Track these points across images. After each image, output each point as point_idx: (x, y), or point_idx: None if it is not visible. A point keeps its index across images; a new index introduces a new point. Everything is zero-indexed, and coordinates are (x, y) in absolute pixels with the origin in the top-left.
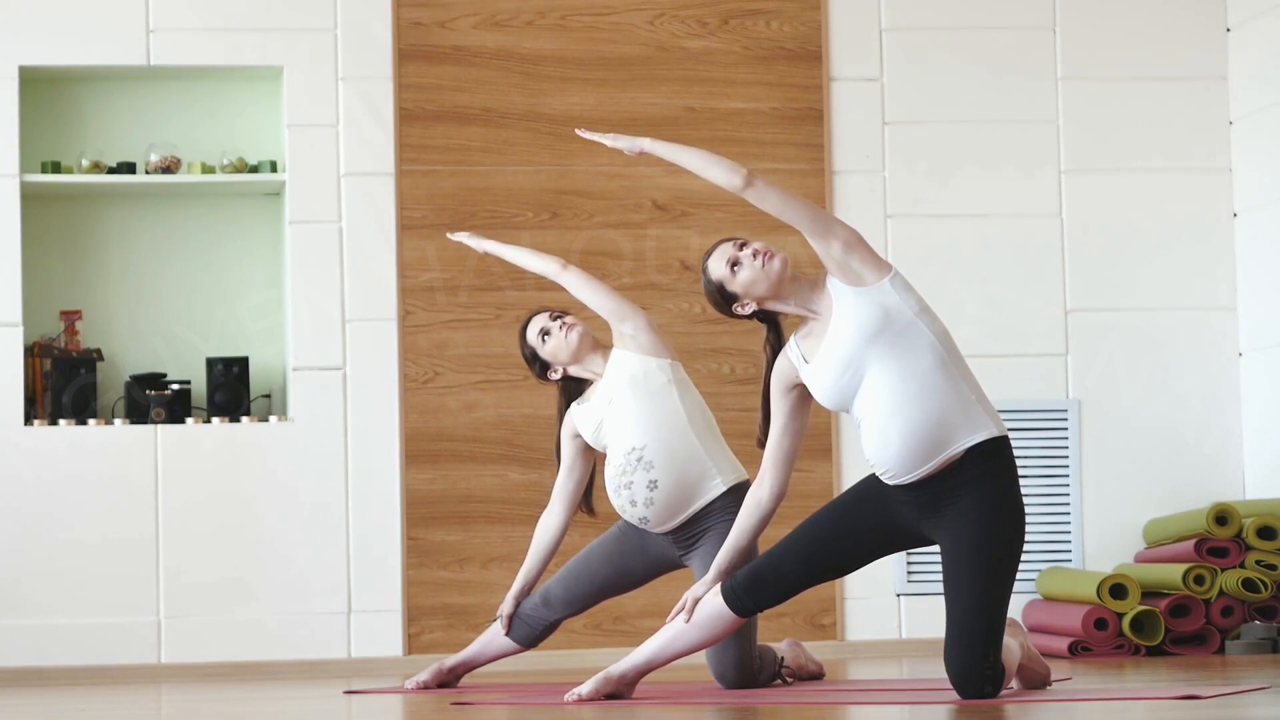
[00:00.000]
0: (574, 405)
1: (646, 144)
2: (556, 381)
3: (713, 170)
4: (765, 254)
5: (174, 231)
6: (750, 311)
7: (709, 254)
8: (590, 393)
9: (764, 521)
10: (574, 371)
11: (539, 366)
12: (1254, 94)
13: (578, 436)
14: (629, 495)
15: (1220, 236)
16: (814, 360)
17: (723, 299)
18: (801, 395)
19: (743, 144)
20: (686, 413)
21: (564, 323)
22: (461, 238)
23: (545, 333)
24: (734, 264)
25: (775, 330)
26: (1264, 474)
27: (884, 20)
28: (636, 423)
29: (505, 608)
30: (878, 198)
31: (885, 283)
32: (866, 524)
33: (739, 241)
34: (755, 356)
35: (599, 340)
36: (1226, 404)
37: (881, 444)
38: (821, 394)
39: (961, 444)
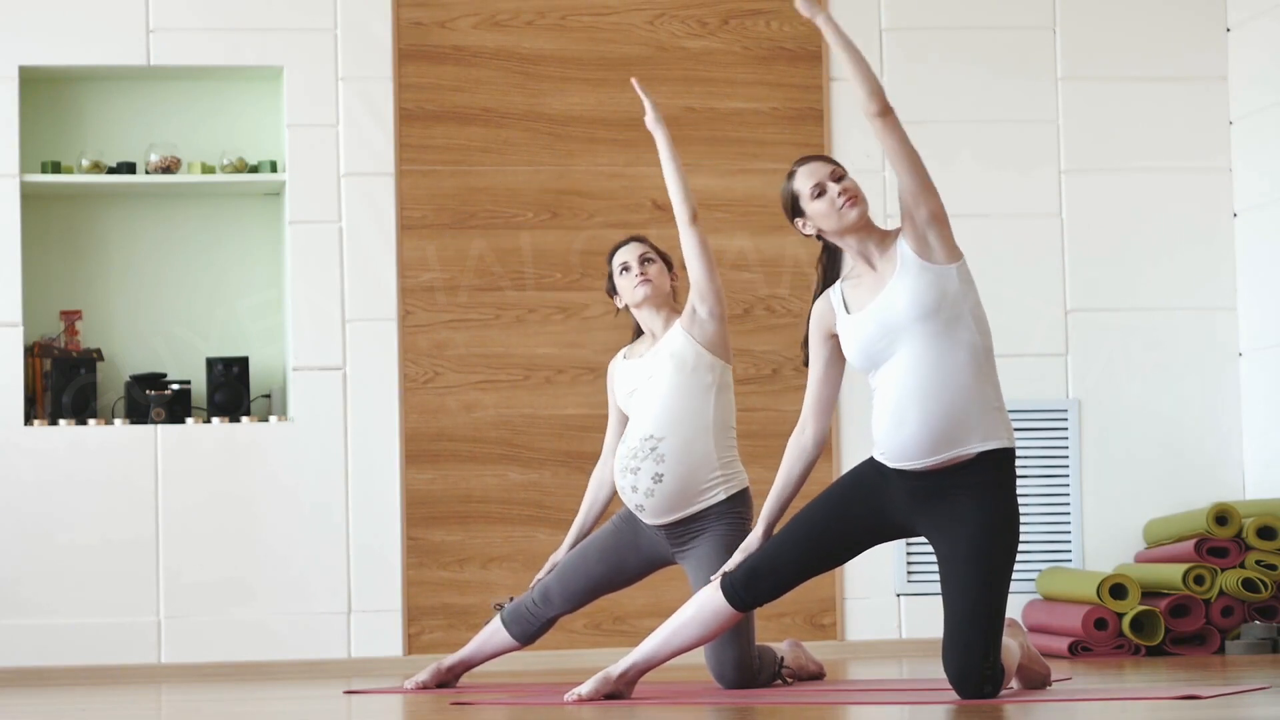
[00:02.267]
0: (620, 357)
1: (822, 19)
2: (619, 309)
3: (860, 80)
4: (850, 199)
5: (174, 231)
6: (809, 233)
7: (802, 163)
8: (638, 348)
9: (808, 468)
10: (634, 313)
11: (609, 285)
12: (1254, 94)
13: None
14: (632, 480)
15: (1220, 236)
16: (856, 313)
17: (790, 209)
18: (840, 345)
19: (743, 144)
20: (715, 419)
21: (643, 274)
22: (645, 102)
23: (625, 268)
24: (819, 189)
25: (831, 256)
26: (1264, 474)
27: (884, 20)
28: (664, 413)
29: (557, 557)
30: (877, 198)
31: (954, 268)
32: (858, 514)
33: (835, 171)
34: (757, 356)
35: (671, 302)
36: (1226, 404)
37: (896, 423)
38: (852, 349)
39: (975, 446)
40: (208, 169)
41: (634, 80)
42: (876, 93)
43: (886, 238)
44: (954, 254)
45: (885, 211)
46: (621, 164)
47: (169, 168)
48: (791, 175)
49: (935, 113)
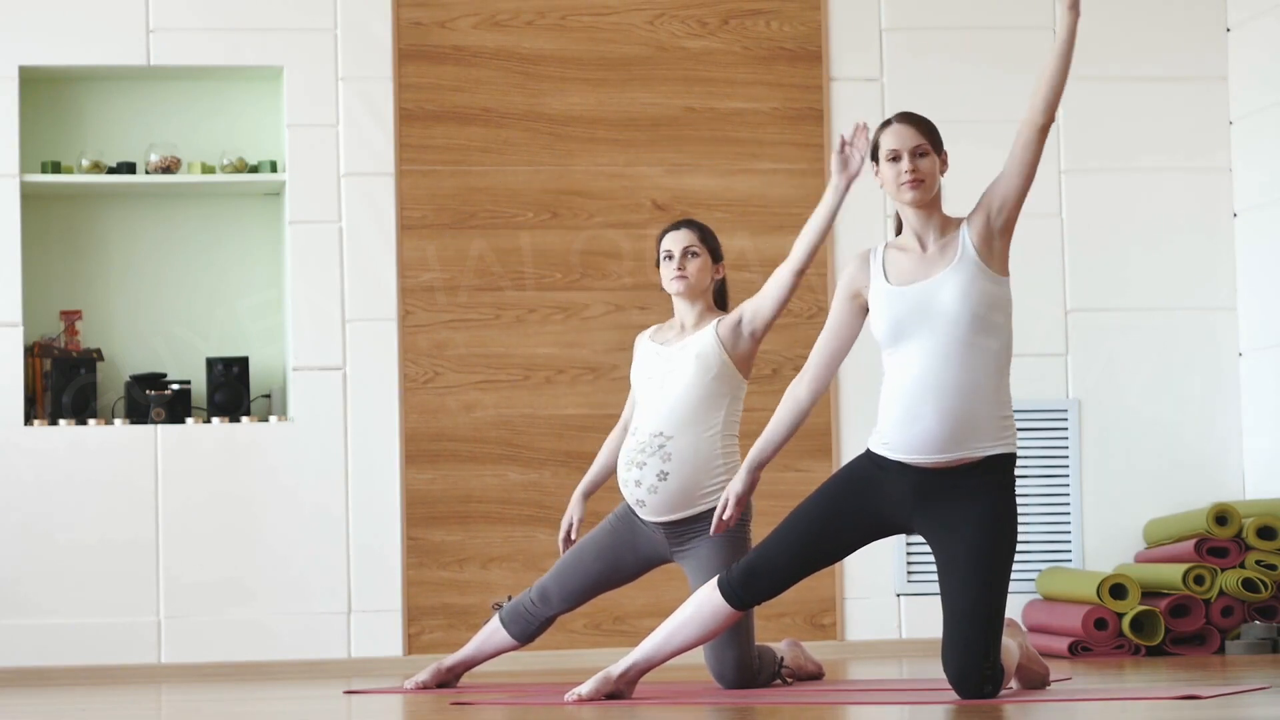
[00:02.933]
0: (647, 335)
1: (1073, 21)
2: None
3: (1055, 91)
4: (914, 181)
5: (174, 231)
6: (880, 184)
7: (900, 120)
8: (666, 333)
9: (800, 419)
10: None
11: (657, 260)
12: (1254, 94)
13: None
14: (637, 474)
15: (1220, 236)
16: (896, 283)
17: (872, 154)
18: (863, 307)
19: (743, 144)
20: (724, 425)
21: (681, 269)
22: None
23: (668, 255)
24: (894, 155)
25: None
26: (1264, 474)
27: (884, 20)
28: (677, 412)
29: (574, 513)
30: (878, 198)
31: (1006, 280)
32: (855, 511)
33: (920, 146)
34: (757, 357)
35: (707, 296)
36: (1226, 404)
37: (910, 416)
38: (881, 320)
39: (984, 450)
40: (208, 169)
41: (858, 135)
42: (1054, 109)
43: (948, 224)
44: (1006, 269)
45: (886, 211)
46: (621, 164)
47: (169, 168)
48: (886, 125)
49: (935, 112)
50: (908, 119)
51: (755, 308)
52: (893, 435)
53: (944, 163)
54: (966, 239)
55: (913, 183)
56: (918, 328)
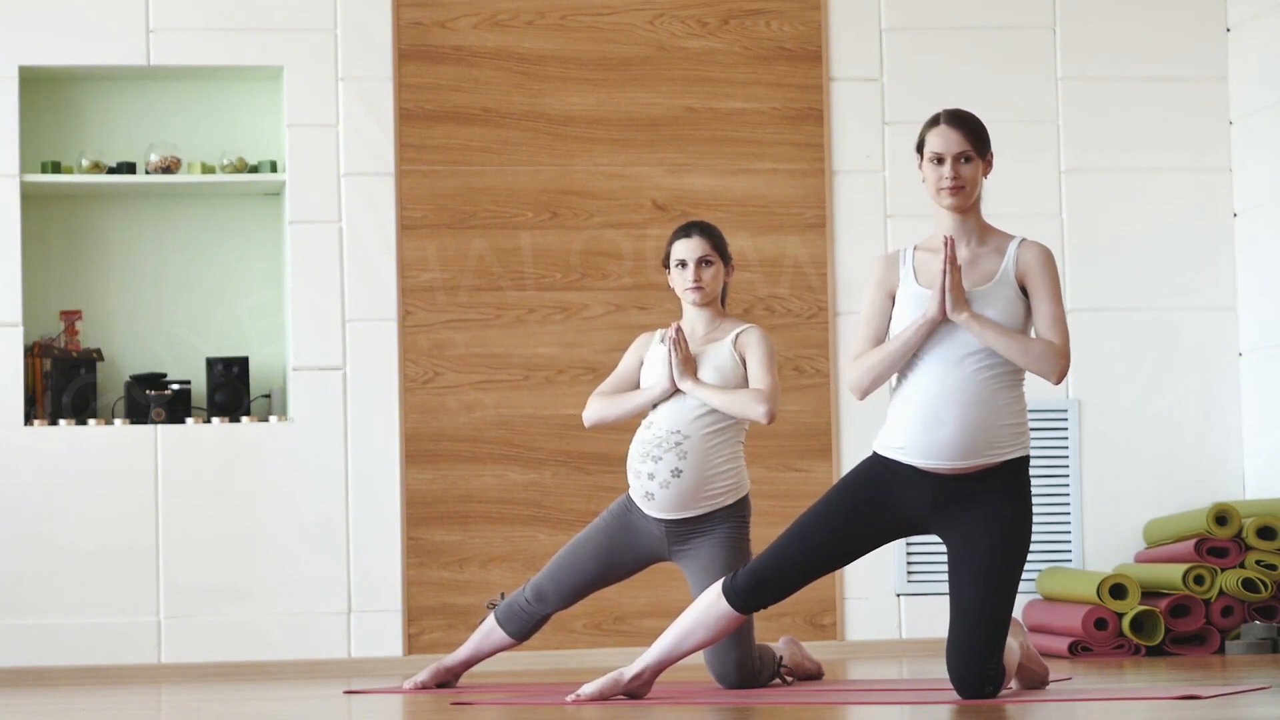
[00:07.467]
0: (657, 339)
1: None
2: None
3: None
4: (953, 189)
5: (174, 231)
6: (921, 180)
7: (949, 121)
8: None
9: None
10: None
11: (665, 259)
12: (1254, 94)
13: (641, 362)
14: (651, 468)
15: (1220, 236)
16: (927, 285)
17: (917, 147)
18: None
19: (743, 144)
20: (734, 429)
21: (697, 280)
22: None
23: (682, 264)
24: (937, 159)
25: None
26: (1264, 474)
27: (884, 20)
28: (694, 412)
29: None
30: (878, 198)
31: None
32: (868, 516)
33: (965, 153)
34: None
35: (717, 304)
36: (1226, 404)
37: (932, 421)
38: (907, 320)
39: (1004, 455)
40: (208, 169)
41: None
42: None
43: (987, 233)
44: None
45: (886, 211)
46: (621, 164)
47: (169, 168)
48: (935, 121)
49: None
50: (956, 121)
51: (750, 374)
52: (910, 440)
53: (989, 164)
54: (1013, 262)
55: (953, 189)
56: (944, 334)
